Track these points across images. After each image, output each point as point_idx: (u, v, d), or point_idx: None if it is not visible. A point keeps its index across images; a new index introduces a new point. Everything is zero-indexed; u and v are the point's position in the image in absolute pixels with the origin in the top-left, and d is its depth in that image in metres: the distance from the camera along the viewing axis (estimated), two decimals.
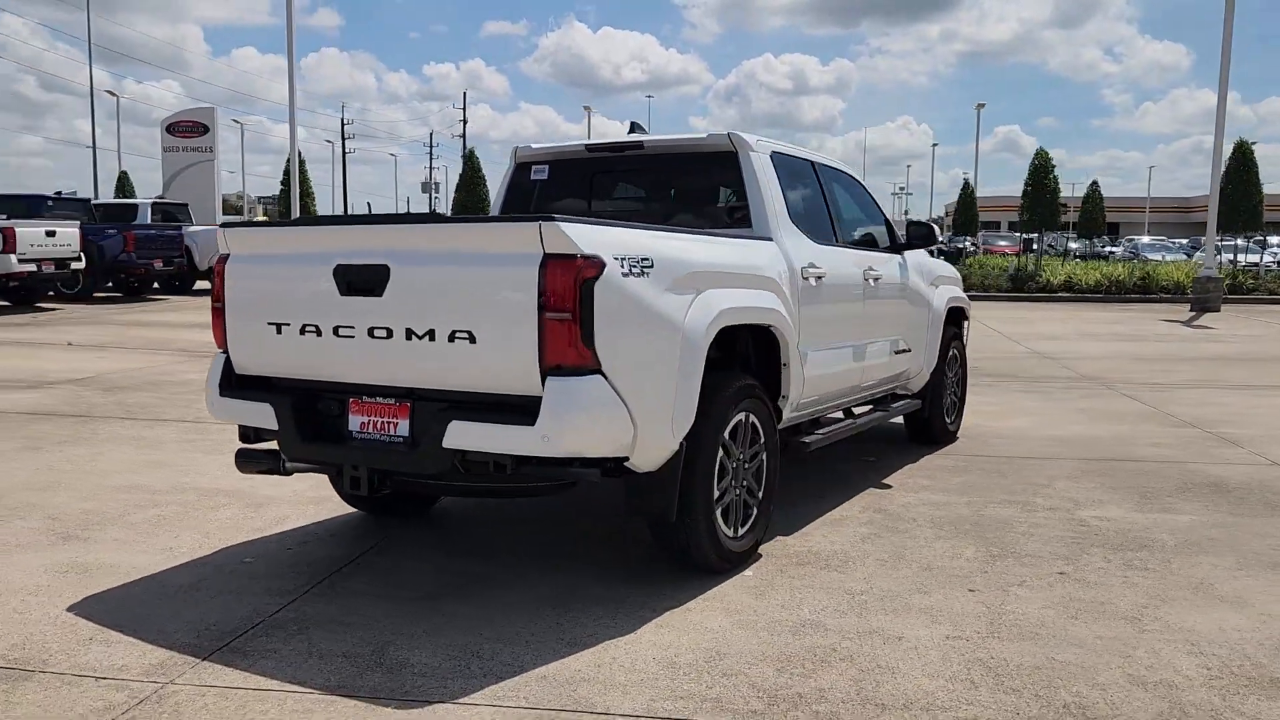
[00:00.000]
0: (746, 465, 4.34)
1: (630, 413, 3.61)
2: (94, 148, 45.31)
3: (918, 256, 6.56)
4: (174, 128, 35.26)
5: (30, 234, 15.95)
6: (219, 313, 4.18)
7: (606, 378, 3.53)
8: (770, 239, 4.77)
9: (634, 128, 5.41)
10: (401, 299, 3.69)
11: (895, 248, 6.30)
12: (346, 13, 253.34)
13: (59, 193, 19.29)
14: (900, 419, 7.04)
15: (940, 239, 6.47)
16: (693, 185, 5.18)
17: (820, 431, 5.21)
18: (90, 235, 17.91)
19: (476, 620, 3.70)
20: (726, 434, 4.15)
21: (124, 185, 42.40)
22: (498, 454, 3.56)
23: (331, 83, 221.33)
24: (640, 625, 3.66)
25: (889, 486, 5.77)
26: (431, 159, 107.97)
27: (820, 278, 5.03)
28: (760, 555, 4.48)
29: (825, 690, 3.13)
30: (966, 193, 40.29)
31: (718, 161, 4.96)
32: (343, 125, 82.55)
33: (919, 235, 6.30)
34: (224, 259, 4.17)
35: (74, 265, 16.96)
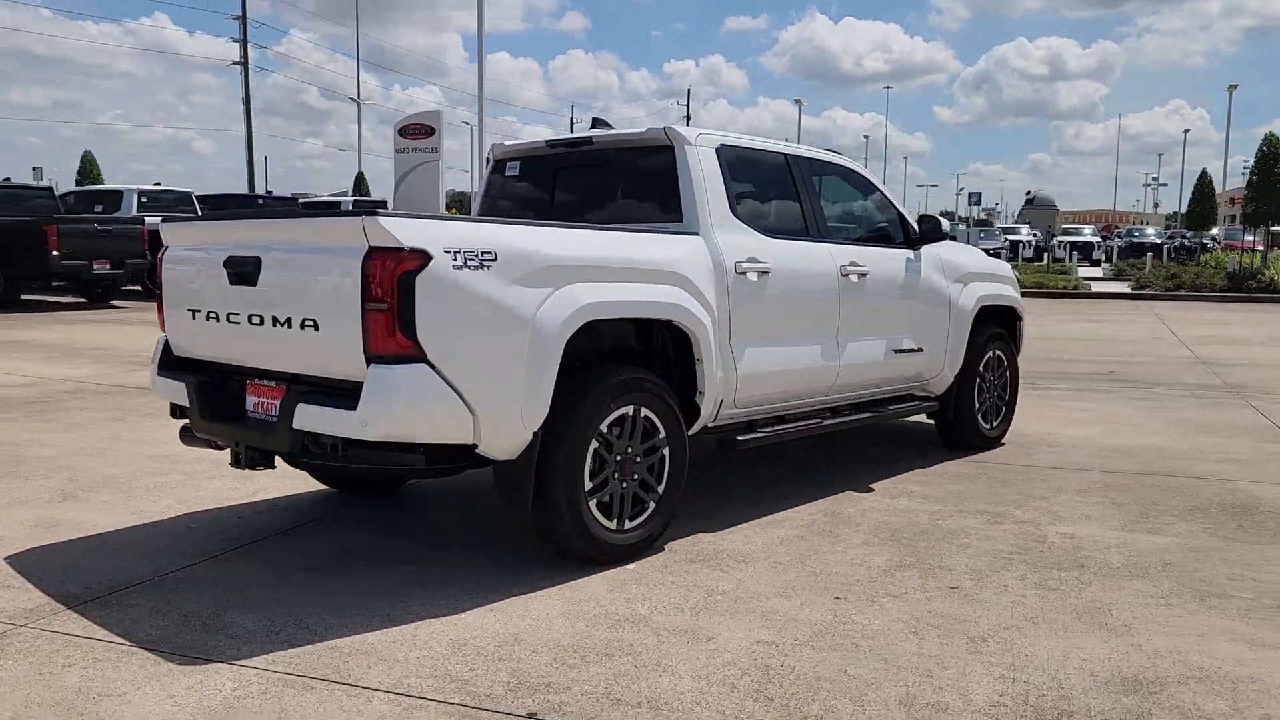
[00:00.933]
0: (639, 459, 4.34)
1: (466, 401, 3.73)
2: (359, 152, 49.35)
3: (939, 252, 6.24)
4: (404, 131, 37.67)
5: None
6: (159, 299, 4.62)
7: (433, 367, 3.66)
8: (696, 233, 4.73)
9: (596, 123, 5.47)
10: (269, 288, 3.97)
11: (909, 243, 6.05)
12: (593, 15, 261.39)
13: (269, 192, 21.17)
14: (931, 422, 6.76)
15: (950, 232, 6.15)
16: (636, 179, 5.18)
17: (764, 431, 5.09)
18: None
19: (335, 593, 3.92)
20: (604, 427, 4.18)
21: (360, 185, 45.75)
22: (330, 436, 3.77)
23: (576, 83, 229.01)
24: (472, 608, 3.77)
25: (870, 490, 5.56)
26: None
27: (765, 273, 4.93)
28: (663, 549, 4.47)
29: (576, 682, 3.15)
30: (1204, 183, 37.00)
31: (659, 156, 4.95)
32: (571, 125, 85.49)
33: (928, 230, 6.02)
34: (163, 250, 4.60)
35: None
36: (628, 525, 4.33)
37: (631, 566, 4.26)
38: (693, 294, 4.53)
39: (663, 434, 4.44)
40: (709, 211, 4.80)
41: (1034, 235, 46.96)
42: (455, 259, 3.69)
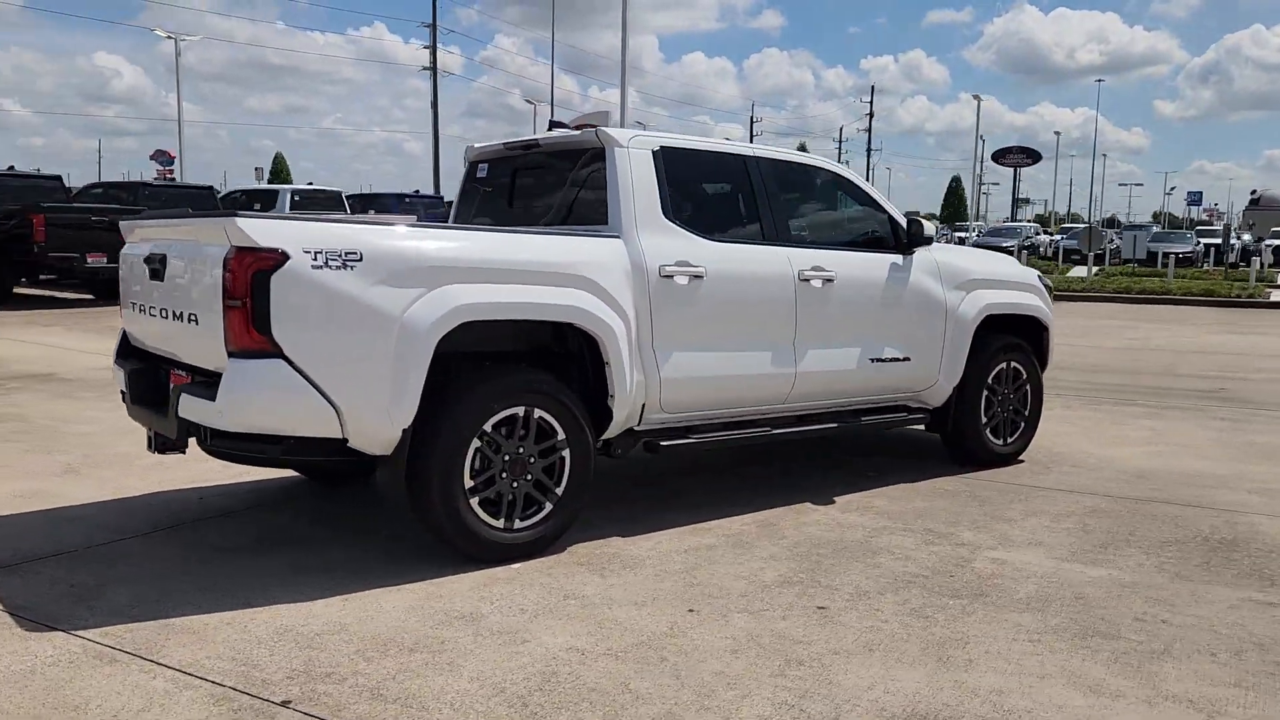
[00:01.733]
0: (533, 460, 4.37)
1: (327, 397, 3.86)
2: None
3: (937, 257, 5.96)
4: (576, 129, 38.92)
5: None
6: (120, 293, 4.98)
7: (290, 362, 3.81)
8: (618, 236, 4.70)
9: (553, 125, 5.50)
10: (169, 284, 4.23)
11: (900, 248, 5.80)
12: (789, 13, 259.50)
13: (416, 191, 22.19)
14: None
15: (933, 234, 5.86)
16: (576, 182, 5.17)
17: (694, 437, 5.00)
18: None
19: (224, 575, 4.13)
20: (489, 426, 4.23)
21: None
22: (200, 425, 3.98)
23: (770, 81, 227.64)
24: (328, 597, 3.89)
25: (830, 502, 5.37)
26: (840, 153, 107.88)
27: (698, 276, 4.85)
28: (563, 550, 4.48)
29: (357, 674, 3.22)
30: None
31: (594, 159, 4.95)
32: (751, 124, 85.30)
33: (913, 233, 5.76)
34: (124, 247, 4.96)
35: None
36: (518, 524, 4.36)
37: (516, 566, 4.29)
38: (600, 296, 4.51)
39: (561, 435, 4.44)
40: (634, 214, 4.76)
41: (1240, 237, 43.45)
42: (315, 259, 3.82)
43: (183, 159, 37.41)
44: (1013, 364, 6.38)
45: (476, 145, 5.76)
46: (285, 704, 3.02)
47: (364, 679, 3.19)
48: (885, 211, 5.86)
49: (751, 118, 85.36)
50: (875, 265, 5.67)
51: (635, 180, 4.81)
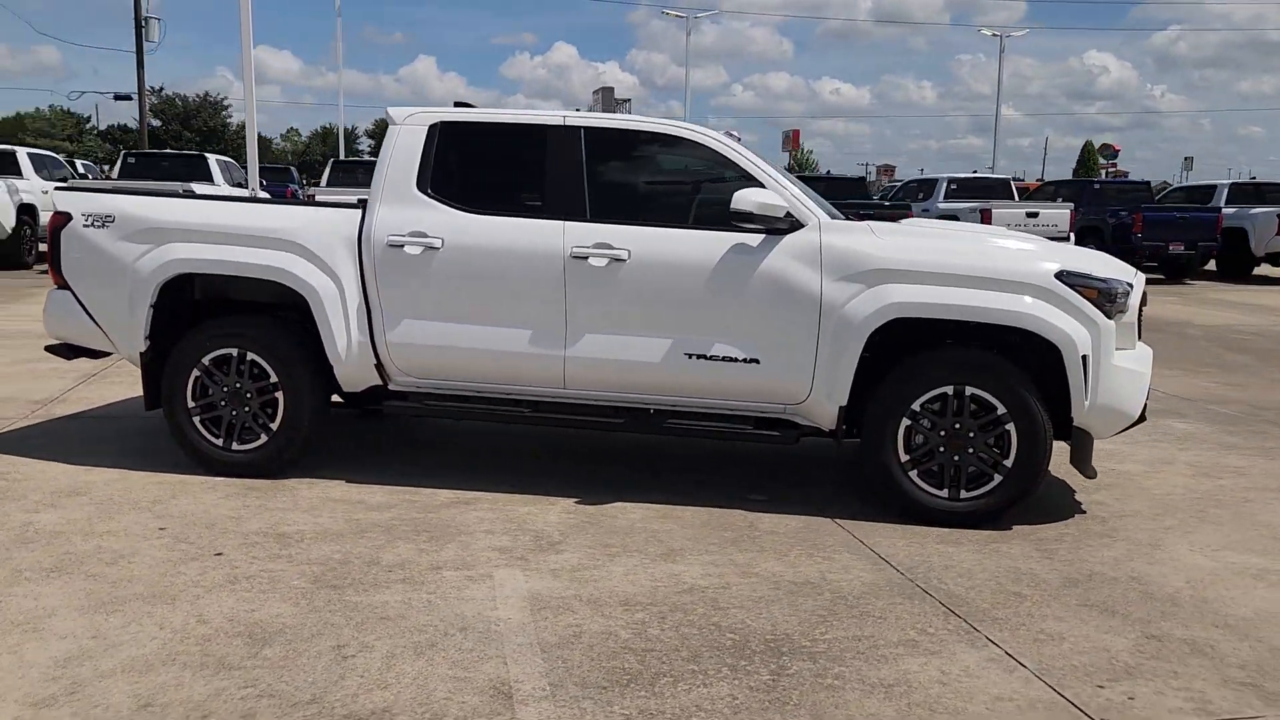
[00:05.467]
0: (249, 395, 5.17)
1: (94, 319, 5.31)
2: None
3: (827, 239, 4.73)
4: None
5: (1008, 214, 17.73)
6: None
7: (74, 294, 5.33)
8: (361, 205, 5.12)
9: (457, 105, 5.77)
10: None
11: (773, 230, 4.80)
12: None
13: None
14: None
15: (770, 211, 4.62)
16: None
17: (418, 403, 5.11)
18: (1094, 214, 18.56)
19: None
20: (206, 360, 5.18)
21: None
22: None
23: None
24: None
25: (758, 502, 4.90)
26: None
27: (433, 247, 4.98)
28: (284, 478, 5.17)
29: None
30: None
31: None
32: None
33: (732, 211, 4.71)
34: None
35: None
36: (235, 446, 5.23)
37: (199, 479, 5.13)
38: (311, 260, 5.04)
39: (273, 378, 5.15)
40: (383, 186, 5.10)
41: None
42: (86, 219, 5.27)
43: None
44: (974, 391, 4.67)
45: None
46: None
47: None
48: (763, 187, 4.86)
49: None
50: (704, 246, 4.83)
51: (396, 155, 5.12)
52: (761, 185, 4.85)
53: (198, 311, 5.38)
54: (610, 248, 4.86)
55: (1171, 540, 4.61)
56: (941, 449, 4.73)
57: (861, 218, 5.33)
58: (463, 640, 3.36)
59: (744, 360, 4.83)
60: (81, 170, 25.11)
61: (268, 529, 4.41)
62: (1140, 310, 5.04)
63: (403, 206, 5.04)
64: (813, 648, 3.39)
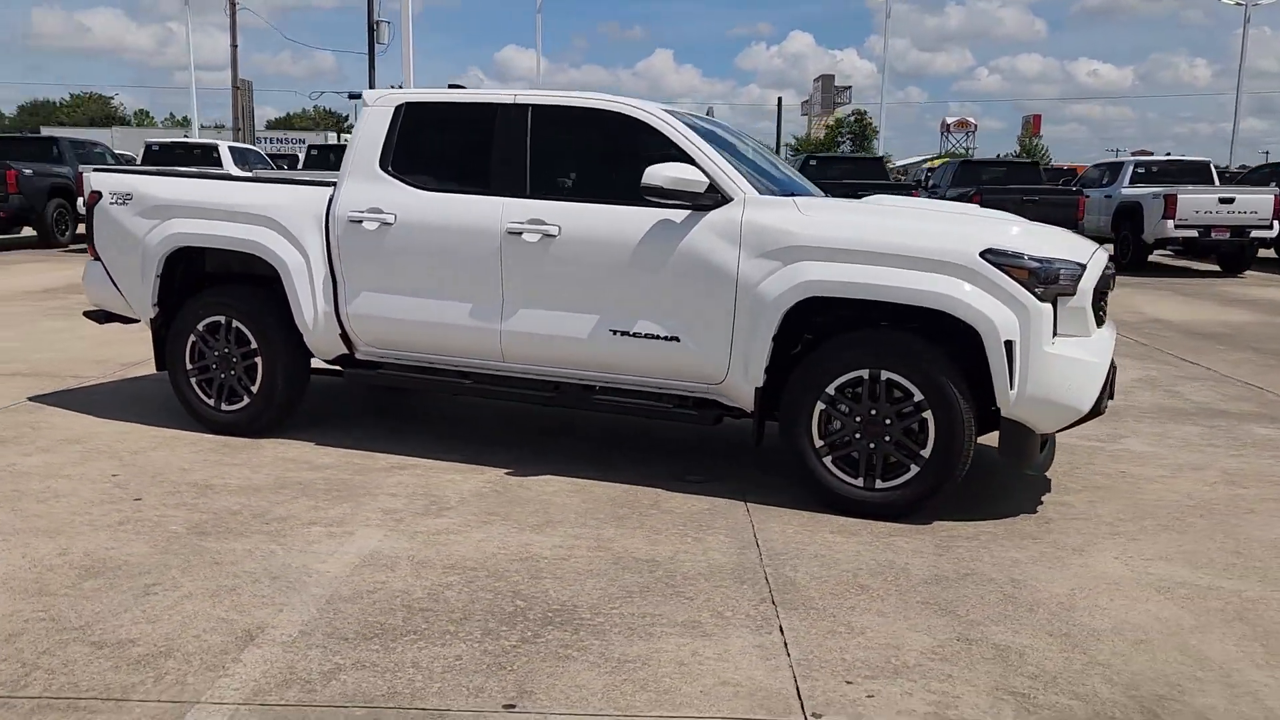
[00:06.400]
0: (235, 359, 5.61)
1: (118, 288, 5.92)
2: None
3: (749, 215, 4.61)
4: None
5: (1197, 200, 16.16)
6: None
7: (104, 265, 5.95)
8: (327, 184, 5.43)
9: (451, 87, 5.94)
10: None
11: (697, 206, 4.72)
12: None
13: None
14: None
15: (668, 185, 4.51)
16: None
17: (368, 370, 5.41)
18: None
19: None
20: (200, 326, 5.66)
21: None
22: None
23: None
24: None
25: (539, 475, 4.99)
26: None
27: (386, 223, 5.22)
28: (255, 440, 5.59)
29: None
30: None
31: None
32: None
33: (643, 186, 4.64)
34: None
35: (1256, 234, 16.23)
36: (224, 407, 5.68)
37: (192, 436, 5.61)
38: (283, 235, 5.40)
39: (253, 344, 5.56)
40: (350, 165, 5.39)
41: None
42: (112, 198, 5.86)
43: None
44: (888, 375, 4.43)
45: None
46: None
47: None
48: (693, 162, 4.79)
49: None
50: (627, 222, 4.81)
51: (364, 135, 5.41)
52: (691, 160, 4.78)
53: (210, 281, 5.88)
54: (543, 224, 4.93)
55: (1102, 547, 4.20)
56: (858, 435, 4.51)
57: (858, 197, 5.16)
58: (264, 588, 3.57)
59: (665, 338, 4.78)
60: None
61: (201, 481, 4.79)
62: (1101, 295, 4.61)
63: (366, 184, 5.30)
64: (590, 620, 3.37)
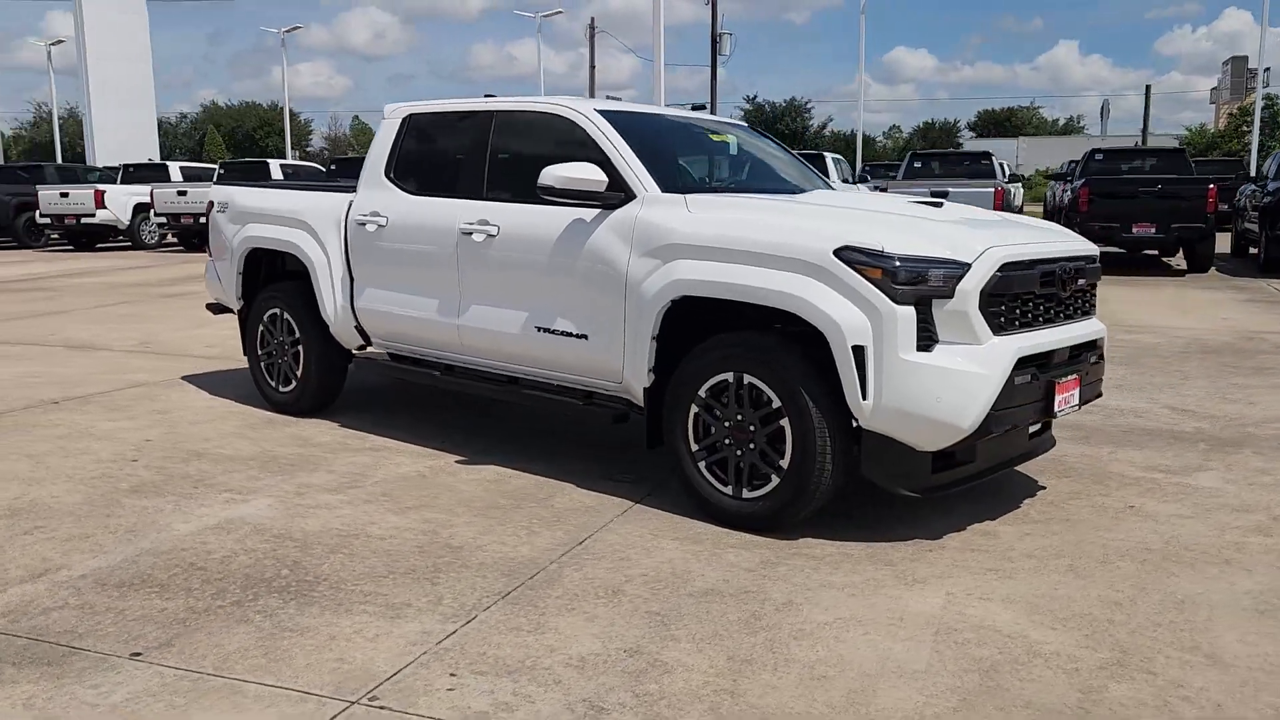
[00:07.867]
0: (286, 347, 6.35)
1: (222, 283, 6.90)
2: None
3: (644, 213, 4.56)
4: None
5: None
6: None
7: (214, 264, 6.96)
8: (350, 190, 6.00)
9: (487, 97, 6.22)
10: None
11: (606, 204, 4.75)
12: None
13: None
14: None
15: (559, 185, 4.50)
16: None
17: (367, 355, 5.89)
18: None
19: None
20: (265, 318, 6.46)
21: None
22: None
23: None
24: None
25: (467, 461, 5.24)
26: None
27: (381, 226, 5.71)
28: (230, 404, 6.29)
29: None
30: None
31: None
32: None
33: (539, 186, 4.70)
34: None
35: None
36: (281, 389, 6.44)
37: (250, 411, 6.41)
38: (314, 236, 6.05)
39: (297, 335, 6.27)
40: (366, 174, 5.93)
41: None
42: (218, 207, 6.85)
43: None
44: (749, 379, 4.20)
45: None
46: None
47: None
48: (610, 162, 4.79)
49: None
50: (548, 221, 4.91)
51: (377, 145, 5.93)
52: (604, 158, 4.79)
53: (284, 277, 6.68)
54: (487, 224, 5.16)
55: (946, 584, 3.71)
56: (727, 441, 4.31)
57: None
58: (108, 538, 4.12)
59: (576, 335, 4.84)
60: None
61: (200, 450, 5.51)
62: (987, 296, 4.00)
63: (373, 191, 5.82)
64: (315, 592, 3.58)
